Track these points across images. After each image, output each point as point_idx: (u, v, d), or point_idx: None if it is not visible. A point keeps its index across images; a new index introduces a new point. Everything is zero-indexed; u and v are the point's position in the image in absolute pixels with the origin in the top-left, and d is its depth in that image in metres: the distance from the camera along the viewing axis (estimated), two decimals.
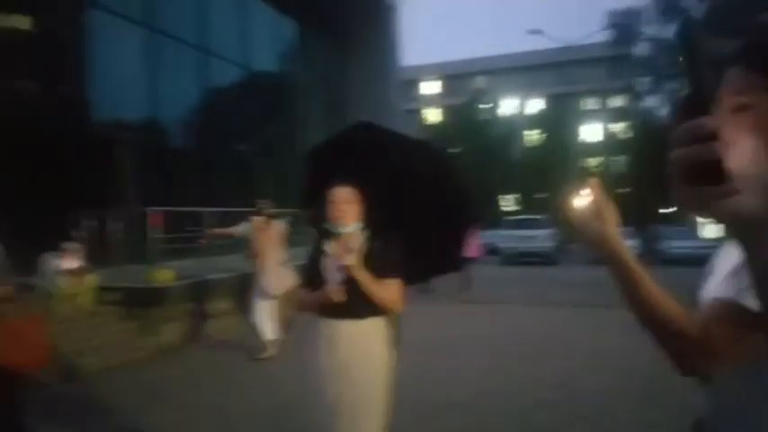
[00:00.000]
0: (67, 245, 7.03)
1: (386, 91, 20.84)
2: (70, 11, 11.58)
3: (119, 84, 12.02)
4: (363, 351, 2.92)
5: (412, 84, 44.99)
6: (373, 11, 20.48)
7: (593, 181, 1.21)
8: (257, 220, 7.17)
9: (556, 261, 20.36)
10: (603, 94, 39.37)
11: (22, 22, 10.77)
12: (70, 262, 6.87)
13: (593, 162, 39.47)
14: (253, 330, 7.04)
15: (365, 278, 2.84)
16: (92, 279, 7.21)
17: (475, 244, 11.53)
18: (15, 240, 7.28)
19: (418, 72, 45.96)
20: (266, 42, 18.29)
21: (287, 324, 7.11)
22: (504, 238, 21.35)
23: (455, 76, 48.41)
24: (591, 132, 41.18)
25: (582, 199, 1.21)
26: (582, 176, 1.31)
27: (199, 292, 8.41)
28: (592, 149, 39.99)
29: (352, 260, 2.84)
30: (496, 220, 24.37)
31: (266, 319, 6.96)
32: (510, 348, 7.26)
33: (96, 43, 11.70)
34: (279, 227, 7.31)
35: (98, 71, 11.59)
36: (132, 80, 12.56)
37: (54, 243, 6.95)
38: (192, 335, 7.95)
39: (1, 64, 9.92)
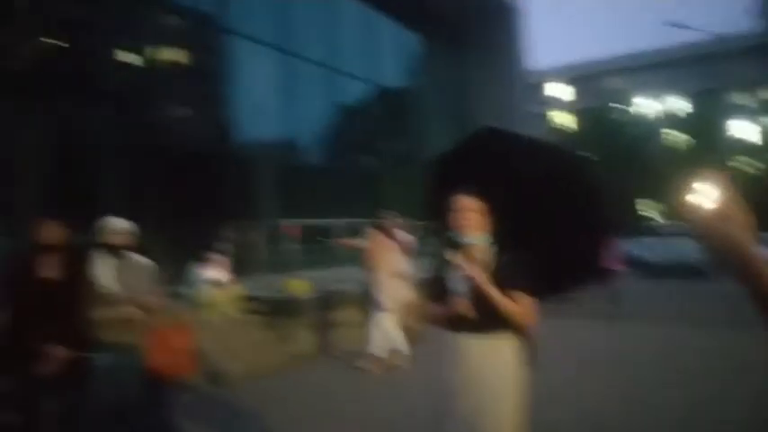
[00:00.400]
0: (213, 256, 7.50)
1: (512, 96, 20.40)
2: (213, 41, 12.59)
3: (256, 105, 12.86)
4: (493, 367, 2.79)
5: (539, 87, 43.72)
6: (496, 15, 20.17)
7: (721, 177, 1.02)
8: (372, 231, 7.21)
9: (708, 274, 18.36)
10: (754, 87, 35.65)
11: (172, 55, 11.84)
12: (215, 272, 7.32)
13: (741, 162, 35.77)
14: (373, 342, 7.09)
15: (493, 291, 2.72)
16: (236, 289, 7.62)
17: (615, 254, 10.72)
18: (165, 252, 7.95)
19: (546, 75, 44.59)
20: (391, 57, 18.66)
21: (415, 336, 7.08)
22: (648, 247, 19.77)
23: (586, 76, 46.38)
24: (741, 130, 37.37)
25: (707, 197, 1.02)
26: (710, 174, 1.08)
27: (332, 302, 8.62)
28: (742, 148, 36.27)
29: (478, 272, 2.73)
30: (637, 228, 22.81)
31: (380, 332, 6.97)
32: (657, 373, 6.64)
33: (236, 69, 12.64)
34: (402, 238, 7.30)
35: (238, 95, 12.53)
36: (268, 101, 13.37)
37: (200, 254, 7.46)
38: (325, 344, 8.16)
39: (157, 93, 10.98)
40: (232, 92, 12.63)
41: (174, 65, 11.79)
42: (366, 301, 7.45)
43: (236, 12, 12.67)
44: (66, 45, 9.94)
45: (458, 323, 2.81)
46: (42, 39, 9.72)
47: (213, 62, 12.80)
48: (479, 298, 2.74)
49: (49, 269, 3.62)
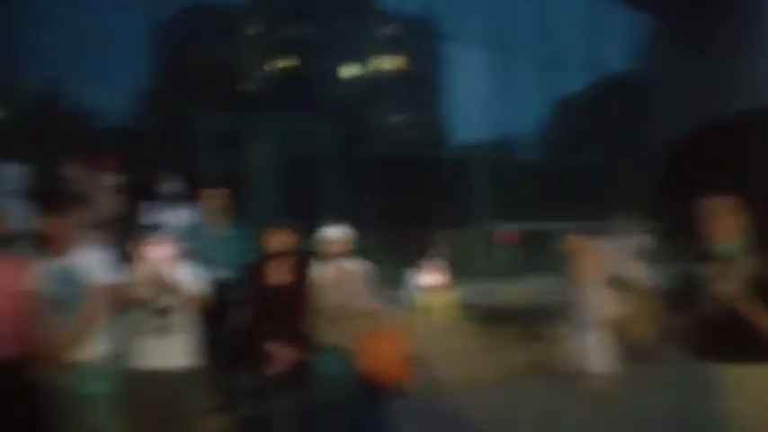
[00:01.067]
0: (429, 261, 7.56)
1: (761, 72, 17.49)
2: (426, 45, 12.88)
3: (470, 106, 12.81)
4: (758, 403, 2.27)
5: None
6: None
7: None
8: (575, 239, 6.59)
9: None
10: None
11: (388, 63, 12.36)
12: (431, 278, 7.36)
13: None
14: (583, 358, 6.50)
15: (753, 310, 2.21)
16: (452, 294, 7.58)
17: None
18: (383, 258, 8.22)
19: None
20: (617, 43, 17.23)
21: (641, 353, 6.35)
22: None
23: None
24: None
25: None
26: None
27: (550, 312, 8.17)
28: None
29: (736, 287, 2.25)
30: None
31: (589, 348, 6.34)
32: None
33: (449, 71, 12.78)
34: (625, 242, 6.58)
35: (451, 97, 12.65)
36: (482, 101, 13.21)
37: (417, 260, 7.56)
38: (542, 356, 7.75)
39: (374, 102, 11.58)
40: (446, 95, 12.78)
41: (390, 73, 12.29)
42: (576, 313, 6.91)
43: (446, 11, 12.74)
44: (293, 63, 10.95)
45: (710, 346, 2.34)
46: (272, 59, 10.84)
47: (427, 66, 13.08)
48: (737, 318, 2.25)
49: (279, 275, 3.87)
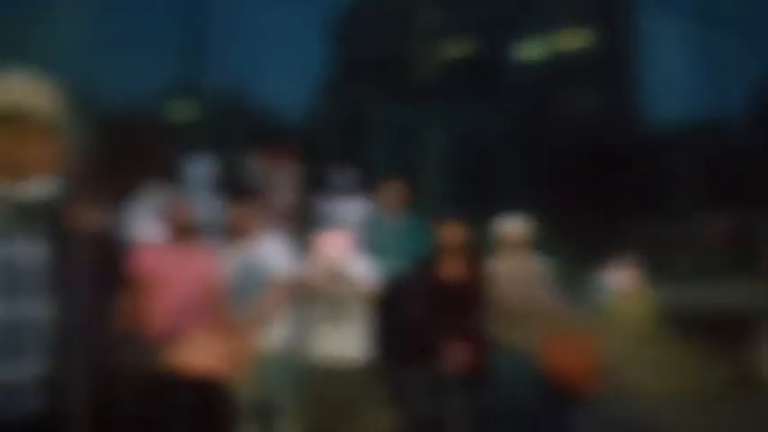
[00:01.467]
0: (623, 259, 6.93)
1: None
2: (617, 18, 11.92)
3: (671, 85, 11.62)
4: None
5: None
6: None
7: None
8: None
9: None
10: None
11: (574, 41, 11.62)
12: (625, 278, 6.74)
13: None
14: None
15: None
16: (648, 296, 6.89)
17: None
18: (570, 254, 7.70)
19: None
20: None
21: None
22: None
23: None
24: None
25: None
26: None
27: (764, 318, 7.12)
28: None
29: None
30: None
31: None
32: None
33: (645, 46, 11.70)
34: None
35: (647, 75, 11.57)
36: (685, 79, 11.90)
37: (609, 257, 6.98)
38: (752, 368, 6.77)
39: (562, 80, 10.95)
40: (640, 72, 11.68)
41: (575, 51, 11.51)
42: None
43: None
44: (470, 50, 10.70)
45: None
46: (447, 48, 10.68)
47: (616, 41, 12.04)
48: None
49: (453, 269, 3.73)
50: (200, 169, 5.03)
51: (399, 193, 4.96)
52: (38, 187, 1.44)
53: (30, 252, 1.46)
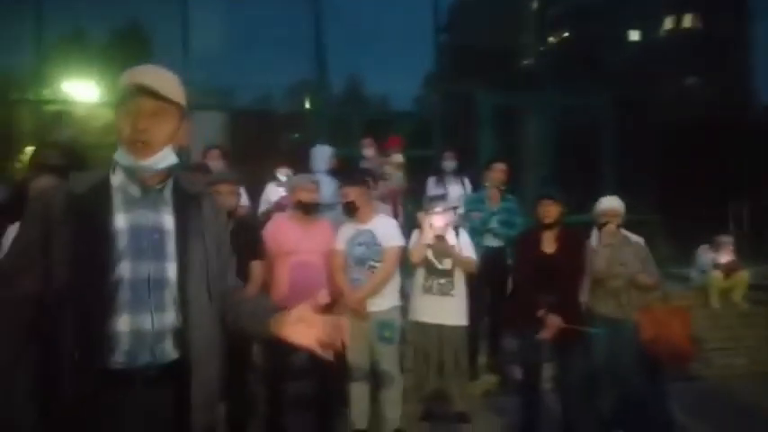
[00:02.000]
0: (721, 238, 6.72)
1: None
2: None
3: None
4: None
5: None
6: None
7: None
8: None
9: None
10: None
11: (675, 24, 11.10)
12: (722, 256, 6.54)
13: None
14: None
15: None
16: (744, 275, 6.63)
17: None
18: (668, 232, 7.53)
19: None
20: None
21: None
22: None
23: None
24: None
25: None
26: None
27: None
28: None
29: None
30: None
31: None
32: None
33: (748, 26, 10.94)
34: None
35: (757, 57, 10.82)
36: None
37: (708, 235, 6.79)
38: None
39: (672, 63, 10.52)
40: (750, 55, 10.93)
41: (682, 33, 11.01)
42: None
43: None
44: (574, 34, 10.54)
45: None
46: (551, 33, 10.57)
47: (726, 23, 11.34)
48: None
49: (549, 245, 3.93)
50: (322, 155, 5.48)
51: (501, 175, 5.17)
52: (162, 160, 1.60)
53: (167, 219, 1.64)
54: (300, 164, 5.56)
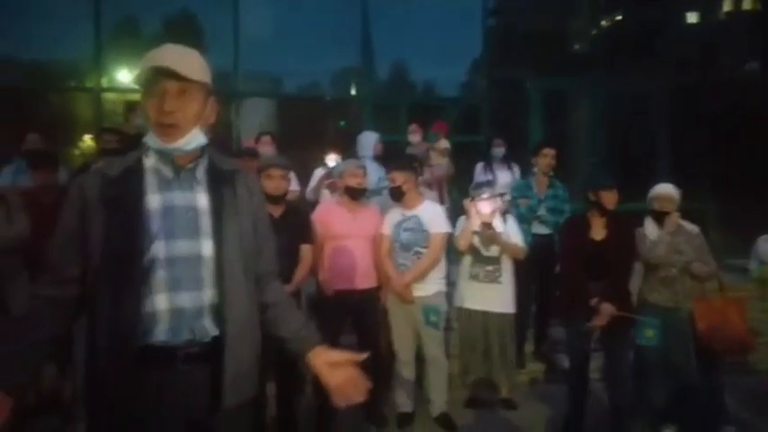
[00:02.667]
0: None
1: None
2: None
3: None
4: None
5: None
6: None
7: None
8: None
9: None
10: None
11: (748, 3, 10.61)
12: None
13: None
14: None
15: None
16: None
17: None
18: (725, 222, 7.26)
19: None
20: None
21: None
22: None
23: None
24: None
25: None
26: None
27: None
28: None
29: None
30: None
31: None
32: None
33: None
34: None
35: None
36: None
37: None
38: None
39: (730, 47, 10.07)
40: None
41: (737, 16, 10.51)
42: None
43: None
44: (627, 17, 10.20)
45: None
46: (604, 16, 10.26)
47: None
48: None
49: (598, 232, 3.85)
50: (368, 141, 5.49)
51: (550, 161, 5.08)
52: (191, 141, 1.61)
53: (201, 198, 1.65)
54: (348, 150, 5.58)
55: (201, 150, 1.68)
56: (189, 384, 1.57)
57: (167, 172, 1.64)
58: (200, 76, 1.62)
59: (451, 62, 9.28)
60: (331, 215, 4.11)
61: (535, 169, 5.14)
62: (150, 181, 1.62)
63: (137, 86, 1.62)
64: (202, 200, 1.65)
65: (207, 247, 1.62)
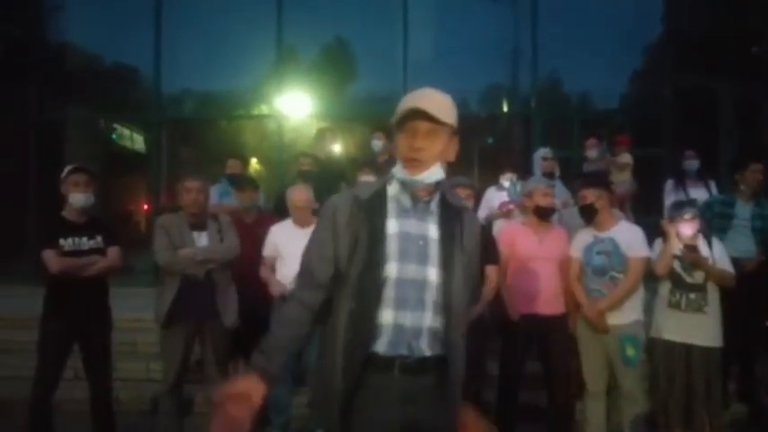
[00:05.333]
0: None
1: None
2: None
3: None
4: None
5: None
6: None
7: None
8: None
9: None
10: None
11: None
12: None
13: None
14: None
15: None
16: None
17: None
18: None
19: None
20: None
21: None
22: None
23: None
24: None
25: None
26: None
27: None
28: None
29: None
30: None
31: None
32: None
33: None
34: None
35: None
36: None
37: None
38: None
39: None
40: None
41: None
42: None
43: None
44: None
45: None
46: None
47: None
48: None
49: None
50: (540, 159, 5.30)
51: (759, 176, 4.58)
52: (432, 175, 1.76)
53: (432, 228, 1.80)
54: (522, 169, 5.43)
55: (437, 185, 1.81)
56: (406, 391, 1.73)
57: (406, 201, 1.81)
58: (449, 119, 1.76)
59: (613, 73, 8.75)
60: (516, 236, 3.99)
61: (742, 186, 4.63)
62: (391, 207, 1.81)
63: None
64: (433, 230, 1.80)
65: (432, 274, 1.77)
